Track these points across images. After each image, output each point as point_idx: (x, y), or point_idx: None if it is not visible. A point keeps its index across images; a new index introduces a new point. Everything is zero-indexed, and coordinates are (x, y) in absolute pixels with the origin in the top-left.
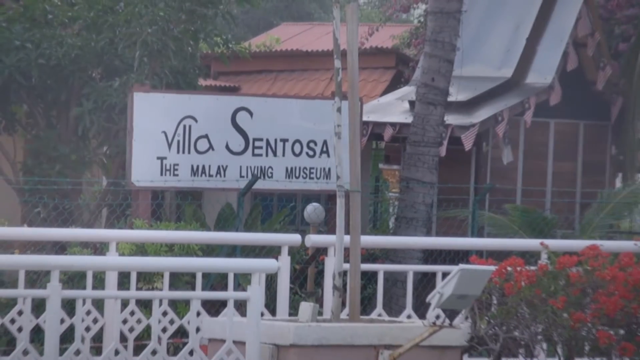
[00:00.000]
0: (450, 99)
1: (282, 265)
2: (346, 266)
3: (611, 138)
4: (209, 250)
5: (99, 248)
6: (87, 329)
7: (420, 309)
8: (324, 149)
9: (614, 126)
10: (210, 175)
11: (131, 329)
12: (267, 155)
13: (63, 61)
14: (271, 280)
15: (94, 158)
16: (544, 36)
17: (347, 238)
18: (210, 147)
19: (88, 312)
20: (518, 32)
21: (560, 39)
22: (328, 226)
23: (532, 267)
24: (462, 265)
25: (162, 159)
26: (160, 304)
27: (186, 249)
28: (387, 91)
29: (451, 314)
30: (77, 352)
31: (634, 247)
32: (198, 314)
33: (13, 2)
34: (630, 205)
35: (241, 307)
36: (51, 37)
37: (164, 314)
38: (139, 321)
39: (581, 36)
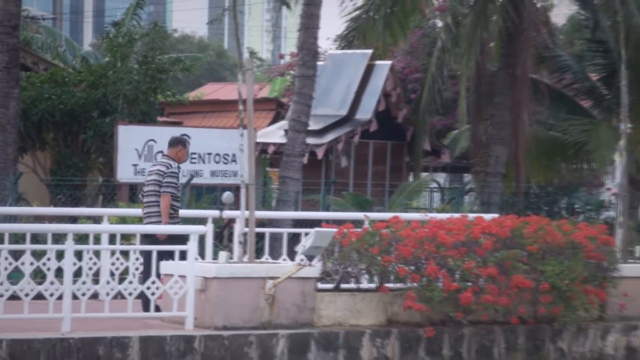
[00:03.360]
0: (309, 128)
1: (208, 230)
2: (246, 229)
3: (406, 151)
4: None
5: (97, 220)
6: (90, 268)
7: (292, 255)
8: (233, 158)
9: (408, 144)
10: None
11: (117, 268)
12: (199, 162)
13: (74, 107)
14: (202, 239)
15: (93, 165)
16: (365, 90)
17: (247, 213)
18: None
19: (90, 258)
20: (350, 88)
21: (376, 91)
22: (236, 205)
23: (359, 229)
24: (316, 228)
25: (135, 165)
26: (135, 254)
27: None
28: (271, 123)
29: (310, 258)
30: (84, 282)
31: (420, 217)
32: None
33: (44, 70)
34: (417, 192)
35: (183, 255)
36: (67, 92)
37: (137, 259)
38: (121, 264)
39: (388, 90)
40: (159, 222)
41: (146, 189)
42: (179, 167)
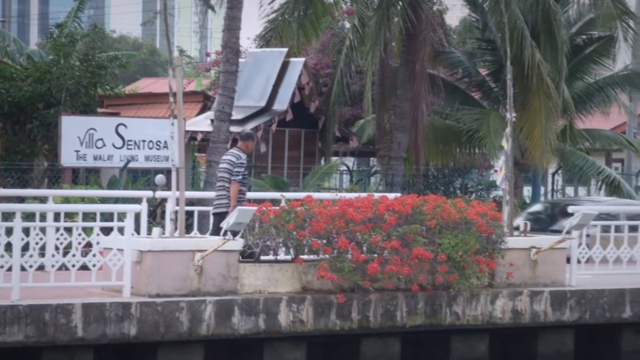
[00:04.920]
0: (233, 118)
1: (143, 208)
2: (177, 208)
3: (318, 138)
4: (104, 200)
5: (42, 200)
6: (37, 243)
7: (218, 231)
8: (165, 145)
9: (320, 132)
10: (104, 160)
11: (61, 243)
12: (135, 149)
13: (22, 99)
14: (137, 216)
15: (39, 151)
16: (282, 84)
17: (177, 193)
18: (104, 144)
19: (37, 234)
20: (268, 82)
21: (291, 85)
22: (168, 187)
23: (277, 208)
24: (239, 207)
25: (77, 151)
26: (77, 230)
27: (91, 200)
28: (198, 114)
29: (234, 233)
30: (31, 255)
31: (331, 196)
32: (98, 234)
33: None
34: (328, 174)
35: (121, 231)
36: (15, 86)
37: (79, 235)
38: (65, 239)
39: (302, 84)
40: (228, 205)
41: (218, 175)
42: (246, 158)
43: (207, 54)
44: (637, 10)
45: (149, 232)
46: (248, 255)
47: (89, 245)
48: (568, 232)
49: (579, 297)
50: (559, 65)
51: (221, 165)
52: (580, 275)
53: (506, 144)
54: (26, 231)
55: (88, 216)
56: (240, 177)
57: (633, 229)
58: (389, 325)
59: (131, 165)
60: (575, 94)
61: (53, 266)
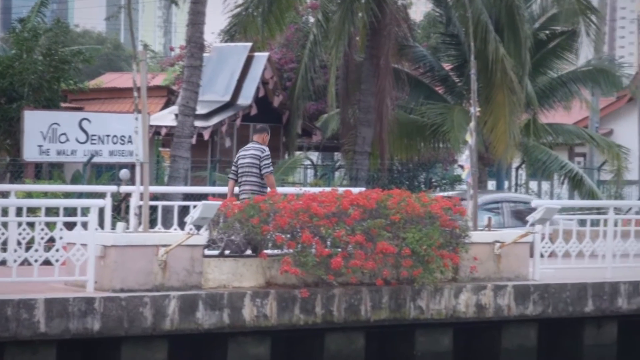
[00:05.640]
0: (197, 112)
1: (107, 203)
2: (141, 203)
3: (283, 133)
4: (67, 195)
5: (4, 195)
6: None
7: (182, 225)
8: (129, 140)
9: (284, 126)
10: (67, 155)
11: (24, 238)
12: (99, 143)
13: None
14: (101, 211)
15: (1, 146)
16: (246, 79)
17: (142, 188)
18: (67, 139)
19: None
20: (232, 76)
21: (255, 80)
22: (132, 181)
23: (241, 202)
24: (203, 202)
25: (40, 146)
26: (40, 225)
27: (54, 195)
28: (163, 108)
29: (198, 228)
30: None
31: (296, 191)
32: (61, 229)
33: None
34: (293, 169)
35: (84, 225)
36: None
37: (42, 230)
38: (28, 234)
39: (266, 78)
40: (255, 194)
41: (242, 170)
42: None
43: (172, 49)
44: (599, 5)
45: (113, 227)
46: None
47: (52, 240)
48: (532, 226)
49: (542, 291)
50: (522, 59)
51: (244, 161)
52: (543, 270)
53: (470, 139)
54: None
55: (51, 211)
56: (272, 168)
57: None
58: (353, 319)
59: (95, 160)
60: (539, 88)
61: (15, 261)
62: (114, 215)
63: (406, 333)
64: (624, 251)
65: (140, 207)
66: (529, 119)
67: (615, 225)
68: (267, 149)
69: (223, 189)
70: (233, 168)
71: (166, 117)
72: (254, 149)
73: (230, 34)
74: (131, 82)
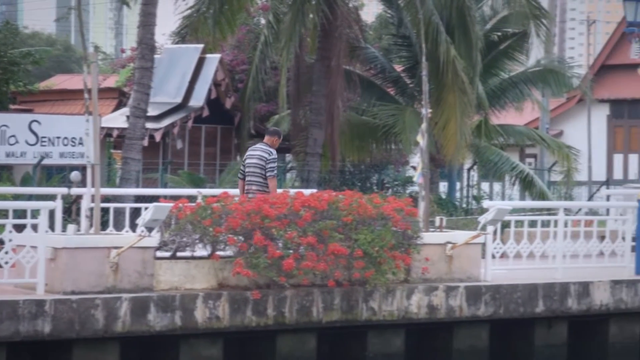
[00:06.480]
0: (148, 114)
1: (58, 205)
2: (92, 205)
3: (235, 134)
4: (17, 197)
5: None
6: None
7: (134, 227)
8: (80, 142)
9: (236, 128)
10: (17, 157)
11: None
12: (49, 145)
13: None
14: (52, 213)
15: None
16: (198, 80)
17: (93, 190)
18: (17, 141)
19: None
20: (184, 78)
21: (207, 81)
22: (83, 183)
23: (193, 204)
24: (155, 203)
25: None
26: None
27: (4, 197)
28: (114, 110)
29: (150, 230)
30: None
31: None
32: (10, 231)
33: None
34: None
35: (34, 228)
36: None
37: None
38: None
39: (218, 80)
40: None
41: (249, 170)
42: (276, 153)
43: (123, 50)
44: (549, 7)
45: (64, 229)
46: None
47: (1, 242)
48: (483, 228)
49: (494, 292)
50: (473, 61)
51: (250, 161)
52: (495, 271)
53: (422, 140)
54: None
55: (0, 213)
56: (276, 172)
57: None
58: (304, 321)
59: (45, 162)
60: (490, 89)
61: None
62: (65, 217)
63: (358, 334)
64: (574, 252)
65: (91, 209)
66: (480, 120)
67: (566, 226)
68: (274, 152)
69: (175, 191)
70: (241, 168)
71: (117, 119)
72: (262, 151)
73: (182, 35)
74: (82, 83)
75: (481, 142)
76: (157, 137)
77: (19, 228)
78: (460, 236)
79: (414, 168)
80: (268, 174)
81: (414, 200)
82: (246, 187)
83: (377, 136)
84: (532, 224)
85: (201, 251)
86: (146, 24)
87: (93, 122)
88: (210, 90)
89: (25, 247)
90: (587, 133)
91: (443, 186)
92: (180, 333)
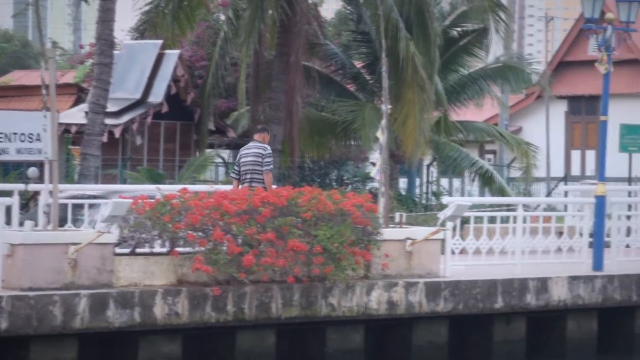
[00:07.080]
0: (108, 110)
1: (15, 201)
2: (50, 201)
3: (194, 130)
4: None
5: None
6: None
7: (92, 223)
8: (38, 137)
9: (196, 124)
10: None
11: None
12: (5, 141)
13: None
14: (8, 209)
15: None
16: (157, 76)
17: (51, 186)
18: None
19: None
20: (143, 74)
21: (166, 77)
22: (41, 179)
23: (152, 200)
24: (114, 199)
25: None
26: None
27: None
28: (73, 106)
29: (109, 226)
30: None
31: (207, 188)
32: None
33: None
34: (204, 166)
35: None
36: None
37: None
38: None
39: (177, 76)
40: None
41: (246, 168)
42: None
43: (81, 46)
44: (508, 3)
45: (21, 225)
46: None
47: None
48: (442, 224)
49: (453, 287)
50: (431, 57)
51: (246, 159)
52: (454, 266)
53: (381, 136)
54: None
55: None
56: (272, 166)
57: None
58: (264, 317)
59: (2, 158)
60: (450, 85)
61: None
62: (22, 213)
63: (317, 330)
64: (532, 248)
65: (49, 205)
66: (439, 117)
67: (524, 222)
68: (268, 147)
69: (134, 187)
70: (235, 168)
71: (76, 115)
72: (256, 147)
73: (141, 31)
74: (40, 79)
75: (441, 138)
76: (117, 133)
77: None
78: (419, 232)
79: (373, 164)
80: (264, 168)
81: (373, 196)
82: (245, 185)
83: (336, 132)
84: (492, 220)
85: (161, 247)
86: (105, 20)
87: (51, 118)
88: (169, 86)
89: None
90: (545, 129)
91: (403, 182)
92: (140, 329)
